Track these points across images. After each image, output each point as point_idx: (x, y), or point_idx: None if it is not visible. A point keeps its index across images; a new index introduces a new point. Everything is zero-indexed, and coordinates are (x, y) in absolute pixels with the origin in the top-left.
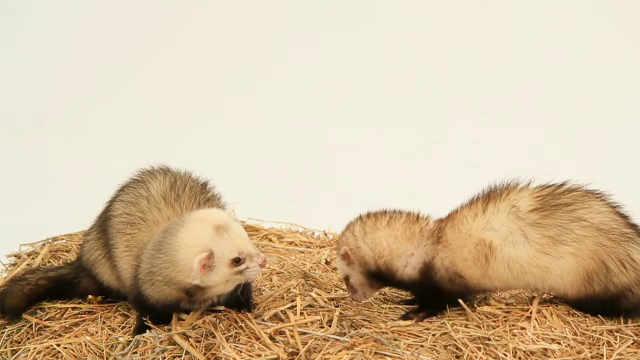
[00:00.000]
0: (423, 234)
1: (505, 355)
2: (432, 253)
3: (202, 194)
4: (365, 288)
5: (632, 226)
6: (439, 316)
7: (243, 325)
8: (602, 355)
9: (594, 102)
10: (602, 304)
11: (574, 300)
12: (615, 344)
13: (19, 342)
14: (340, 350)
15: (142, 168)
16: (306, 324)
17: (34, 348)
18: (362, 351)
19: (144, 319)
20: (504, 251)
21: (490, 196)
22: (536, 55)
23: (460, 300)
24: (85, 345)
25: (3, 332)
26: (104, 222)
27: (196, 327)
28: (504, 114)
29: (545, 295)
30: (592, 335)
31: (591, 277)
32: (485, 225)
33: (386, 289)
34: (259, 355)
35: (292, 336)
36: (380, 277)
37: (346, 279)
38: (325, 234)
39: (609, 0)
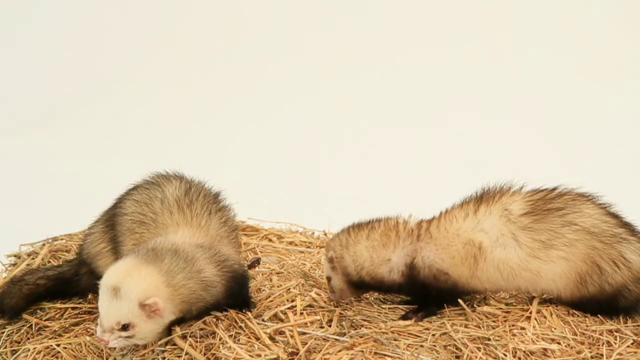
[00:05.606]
0: (400, 236)
1: (505, 355)
2: (413, 253)
3: (214, 203)
4: (343, 292)
5: (625, 225)
6: (438, 316)
7: (243, 325)
8: (602, 355)
9: (591, 103)
10: (600, 304)
11: (569, 302)
12: (615, 343)
13: (19, 342)
14: (340, 350)
15: (156, 172)
16: (306, 324)
17: (34, 348)
18: (362, 351)
19: None
20: (495, 253)
21: (482, 198)
22: (535, 56)
23: (459, 301)
24: (85, 345)
25: (3, 332)
26: (111, 218)
27: (196, 327)
28: (500, 115)
29: (545, 296)
30: (591, 335)
31: (584, 279)
32: (475, 226)
33: None
34: (259, 355)
35: (292, 336)
36: (369, 286)
37: (328, 279)
38: (325, 234)
39: (607, 1)
